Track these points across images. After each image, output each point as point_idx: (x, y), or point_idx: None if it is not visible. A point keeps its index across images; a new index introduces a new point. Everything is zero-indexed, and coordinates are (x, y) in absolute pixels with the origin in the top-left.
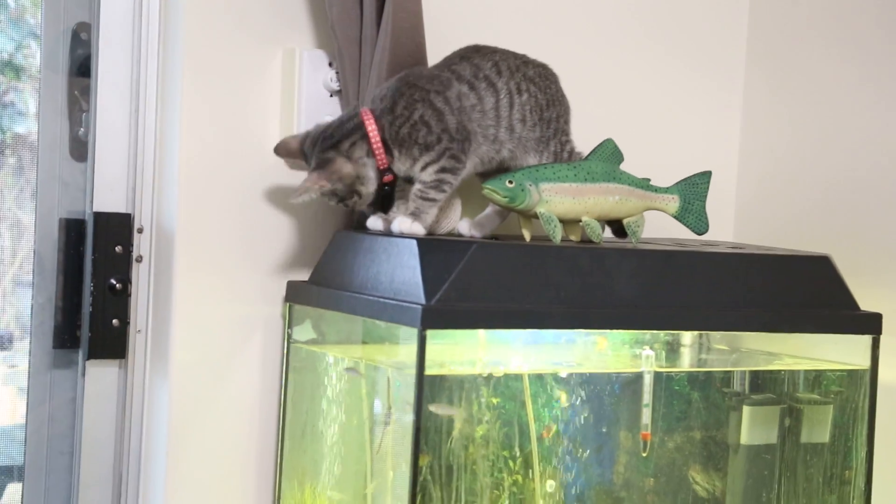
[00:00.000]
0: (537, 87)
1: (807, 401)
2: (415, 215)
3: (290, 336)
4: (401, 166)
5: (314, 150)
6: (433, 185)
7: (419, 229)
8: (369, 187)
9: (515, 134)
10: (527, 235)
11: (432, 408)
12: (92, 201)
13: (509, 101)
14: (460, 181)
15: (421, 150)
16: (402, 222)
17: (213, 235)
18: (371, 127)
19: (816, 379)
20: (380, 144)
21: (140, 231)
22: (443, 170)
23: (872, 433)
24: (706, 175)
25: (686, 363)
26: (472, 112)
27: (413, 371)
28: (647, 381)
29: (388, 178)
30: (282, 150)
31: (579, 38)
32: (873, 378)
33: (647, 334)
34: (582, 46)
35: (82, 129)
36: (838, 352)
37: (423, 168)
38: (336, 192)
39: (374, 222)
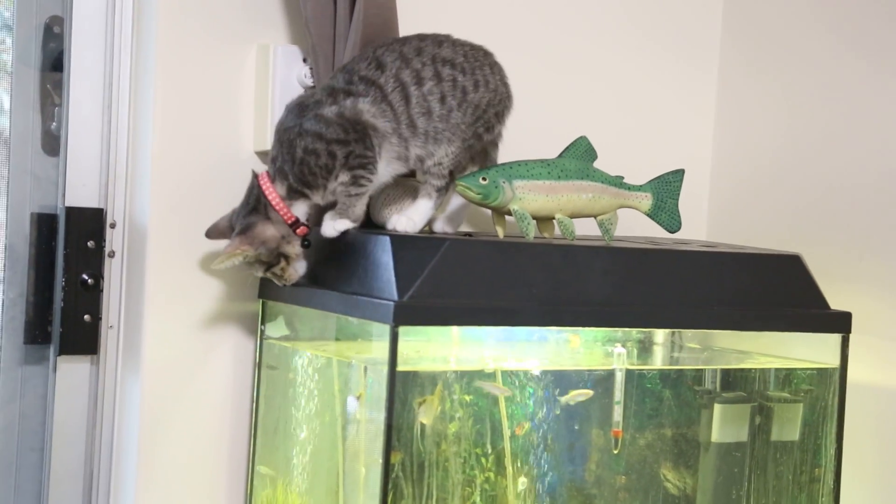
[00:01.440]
0: (456, 71)
1: (777, 399)
2: (340, 213)
3: (262, 332)
4: (320, 200)
5: (237, 221)
6: (350, 183)
7: (343, 224)
8: (295, 245)
9: (420, 130)
10: (500, 232)
11: (480, 383)
12: (64, 196)
13: (402, 94)
14: (380, 171)
15: (324, 176)
16: (325, 225)
17: (186, 231)
18: (267, 187)
19: (787, 377)
20: (279, 202)
21: (112, 226)
22: (351, 168)
23: (841, 431)
24: (679, 173)
25: (658, 361)
26: (365, 113)
27: (385, 367)
28: (619, 378)
29: (301, 230)
30: (213, 232)
31: (553, 36)
32: (843, 376)
33: (619, 332)
34: (556, 45)
35: (54, 124)
36: (808, 350)
37: (336, 179)
38: (261, 259)
39: (324, 227)
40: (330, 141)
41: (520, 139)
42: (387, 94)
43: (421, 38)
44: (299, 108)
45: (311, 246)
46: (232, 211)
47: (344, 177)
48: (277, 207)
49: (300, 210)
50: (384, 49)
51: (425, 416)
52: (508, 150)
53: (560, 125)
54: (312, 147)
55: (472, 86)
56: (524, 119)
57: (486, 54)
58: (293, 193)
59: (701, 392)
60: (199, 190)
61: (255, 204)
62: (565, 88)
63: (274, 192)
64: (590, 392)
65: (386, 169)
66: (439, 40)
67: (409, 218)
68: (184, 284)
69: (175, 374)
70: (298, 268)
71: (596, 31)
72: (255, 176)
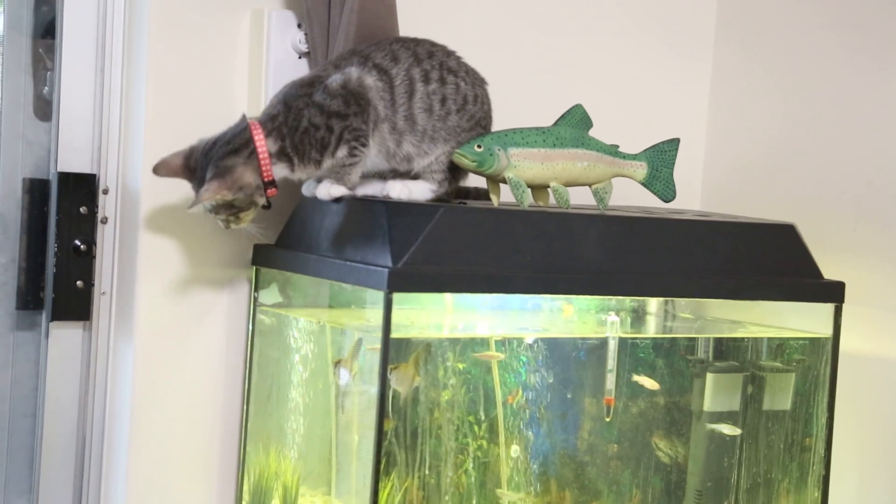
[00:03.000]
0: (460, 80)
1: (769, 368)
2: (337, 179)
3: (256, 299)
4: (302, 174)
5: (207, 160)
6: (347, 155)
7: (339, 190)
8: (262, 199)
9: (418, 126)
10: (495, 200)
11: (637, 378)
12: (56, 161)
13: (408, 88)
14: (373, 141)
15: (319, 151)
16: (321, 188)
17: (179, 197)
18: (259, 138)
19: (780, 347)
20: (266, 157)
21: (105, 192)
22: (346, 142)
23: (833, 401)
24: (674, 142)
25: (651, 330)
26: (371, 90)
27: (379, 334)
28: (612, 346)
29: (271, 191)
30: (162, 169)
31: (550, 4)
32: (835, 346)
33: (613, 300)
34: (552, 13)
35: (46, 89)
36: (801, 320)
37: (333, 156)
38: (234, 204)
39: (319, 190)
40: (330, 114)
41: (519, 111)
42: (394, 85)
43: (432, 44)
44: (312, 81)
45: (271, 208)
46: (189, 148)
47: (341, 152)
48: (263, 162)
49: (278, 173)
50: (400, 45)
51: (399, 383)
52: (507, 121)
53: (558, 97)
54: (314, 121)
55: (472, 97)
56: (523, 92)
57: (483, 81)
58: (282, 156)
59: (693, 361)
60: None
61: (239, 146)
62: (564, 62)
63: (264, 146)
64: (500, 356)
65: (369, 160)
66: (448, 52)
67: (405, 185)
68: (177, 251)
69: (168, 340)
70: (243, 225)
71: (595, 7)
72: (248, 122)
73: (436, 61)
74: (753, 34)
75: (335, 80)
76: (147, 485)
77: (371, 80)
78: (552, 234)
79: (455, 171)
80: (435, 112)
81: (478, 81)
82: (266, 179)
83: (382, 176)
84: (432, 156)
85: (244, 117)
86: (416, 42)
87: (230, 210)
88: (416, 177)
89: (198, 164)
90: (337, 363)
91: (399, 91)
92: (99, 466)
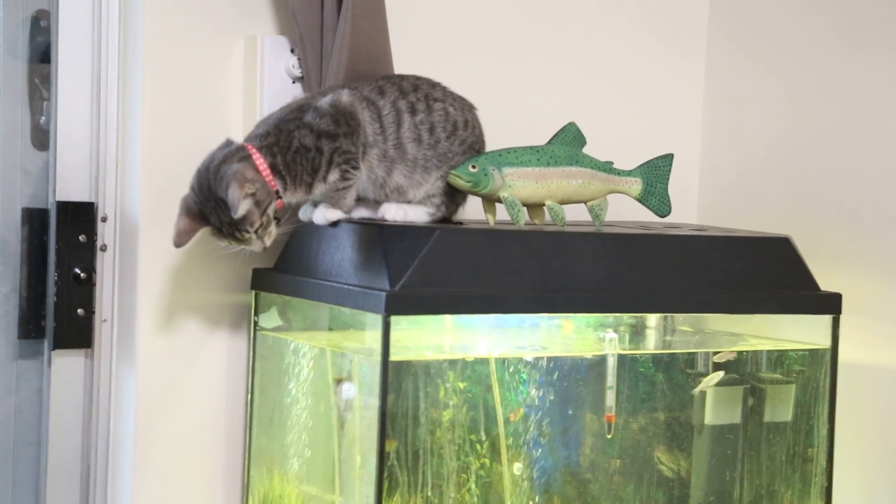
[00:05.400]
0: (448, 105)
1: (769, 380)
2: (332, 203)
3: (256, 323)
4: (292, 197)
5: (209, 186)
6: (339, 178)
7: (335, 215)
8: (273, 207)
9: (409, 156)
10: (490, 220)
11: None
12: (55, 190)
13: (395, 118)
14: (363, 165)
15: (310, 174)
16: (317, 213)
17: None
18: (256, 155)
19: (779, 359)
20: (266, 169)
21: (104, 220)
22: (338, 165)
23: (833, 411)
24: (668, 158)
25: (650, 345)
26: (360, 113)
27: (378, 357)
28: (611, 363)
29: (278, 203)
30: (181, 237)
31: (542, 20)
32: (834, 357)
33: (611, 317)
34: (545, 29)
35: (43, 118)
36: (800, 332)
37: (324, 180)
38: (257, 197)
39: (316, 215)
40: (320, 134)
41: (511, 128)
42: (382, 115)
43: (417, 77)
44: (301, 106)
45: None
46: (182, 202)
47: (333, 175)
48: (264, 174)
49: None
50: (385, 80)
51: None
52: (500, 139)
53: (549, 113)
54: (305, 142)
55: (462, 123)
56: (515, 108)
57: (472, 106)
58: (275, 172)
59: (693, 375)
60: (189, 182)
61: (231, 154)
62: (554, 76)
63: (262, 160)
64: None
65: (360, 183)
66: (433, 84)
67: (400, 207)
68: (176, 277)
69: (170, 366)
70: (273, 231)
71: (584, 17)
72: (239, 144)
73: (421, 93)
74: (747, 47)
75: (325, 100)
76: None
77: (359, 106)
78: (549, 252)
79: (453, 195)
80: (424, 141)
81: (466, 107)
82: (265, 177)
83: (378, 201)
84: (427, 184)
85: (228, 141)
86: (402, 77)
87: (257, 211)
88: None
89: (204, 198)
90: (339, 381)
91: (387, 121)
92: (104, 494)
